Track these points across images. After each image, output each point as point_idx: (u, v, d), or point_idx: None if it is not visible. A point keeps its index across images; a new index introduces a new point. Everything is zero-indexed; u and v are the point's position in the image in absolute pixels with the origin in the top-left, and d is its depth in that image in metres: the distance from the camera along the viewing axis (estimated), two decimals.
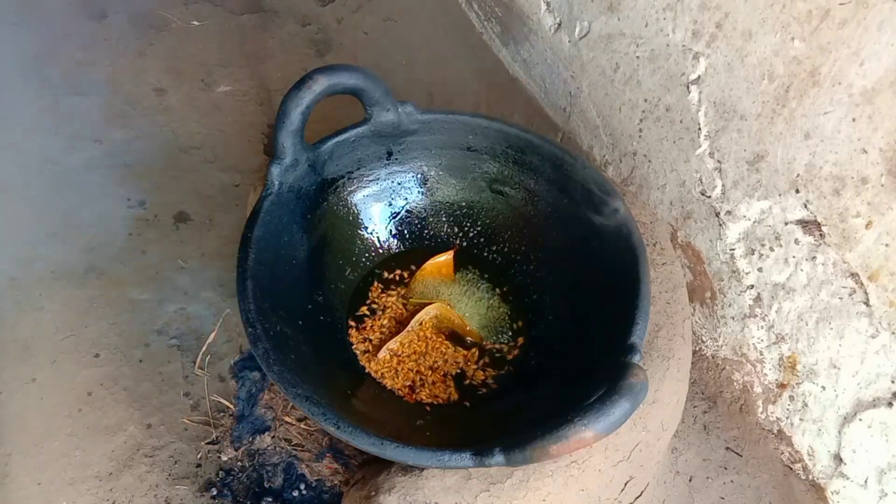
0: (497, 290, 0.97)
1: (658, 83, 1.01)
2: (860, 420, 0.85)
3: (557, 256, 0.92)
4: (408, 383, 0.86)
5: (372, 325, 0.92)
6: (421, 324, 0.91)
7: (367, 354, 0.89)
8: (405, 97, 0.92)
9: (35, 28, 1.53)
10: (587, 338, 0.82)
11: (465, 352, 0.90)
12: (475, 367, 0.89)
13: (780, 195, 0.86)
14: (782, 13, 0.78)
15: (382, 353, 0.88)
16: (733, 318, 1.00)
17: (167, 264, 1.19)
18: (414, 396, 0.85)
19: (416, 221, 1.01)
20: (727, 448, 1.02)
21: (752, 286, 0.95)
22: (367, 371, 0.87)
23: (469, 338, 0.91)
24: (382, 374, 0.87)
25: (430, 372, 0.88)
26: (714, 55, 0.89)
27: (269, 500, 0.88)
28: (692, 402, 1.06)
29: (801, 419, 0.94)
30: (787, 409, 0.96)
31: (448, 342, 0.91)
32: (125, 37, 1.55)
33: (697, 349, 1.08)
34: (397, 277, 0.97)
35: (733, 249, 0.96)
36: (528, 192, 0.95)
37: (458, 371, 0.88)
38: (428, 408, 0.84)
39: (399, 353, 0.89)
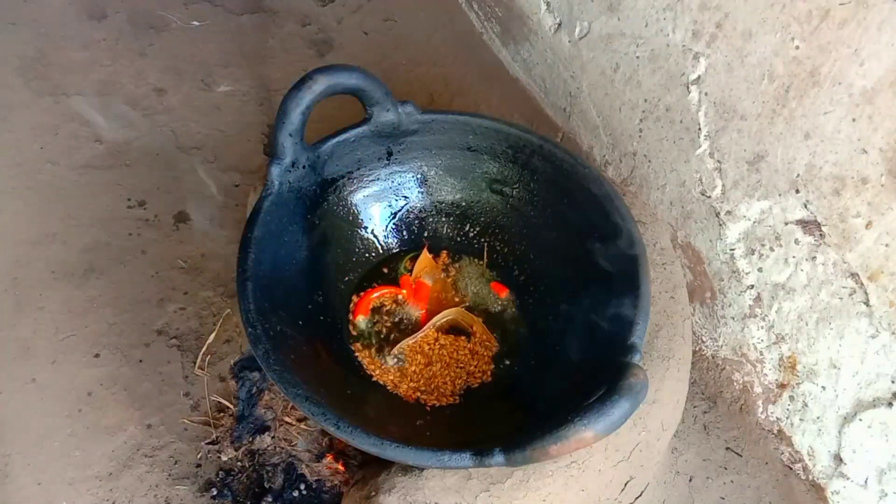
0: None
1: (658, 83, 1.01)
2: (860, 420, 0.85)
3: (557, 257, 0.92)
4: (410, 384, 0.86)
5: (373, 325, 0.92)
6: (434, 327, 0.91)
7: (366, 355, 0.89)
8: (405, 97, 0.92)
9: (35, 28, 1.53)
10: (587, 338, 0.82)
11: (469, 345, 0.90)
12: (480, 367, 0.89)
13: (780, 195, 0.86)
14: (782, 13, 0.78)
15: (395, 352, 0.88)
16: (733, 318, 1.00)
17: (167, 264, 1.19)
18: (414, 396, 0.85)
19: (416, 221, 1.01)
20: (727, 448, 1.02)
21: (752, 286, 0.95)
22: (367, 371, 0.87)
23: (484, 340, 0.91)
24: (382, 374, 0.87)
25: (432, 372, 0.88)
26: (714, 55, 0.89)
27: (269, 500, 0.88)
28: (692, 402, 1.06)
29: (801, 419, 0.94)
30: (787, 409, 0.96)
31: (451, 336, 0.91)
32: (125, 37, 1.55)
33: (697, 349, 1.08)
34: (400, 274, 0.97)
35: (733, 249, 0.96)
36: (528, 192, 0.95)
37: (461, 371, 0.88)
38: (428, 408, 0.84)
39: (405, 352, 0.89)
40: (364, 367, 0.87)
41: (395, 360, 0.89)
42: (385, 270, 0.97)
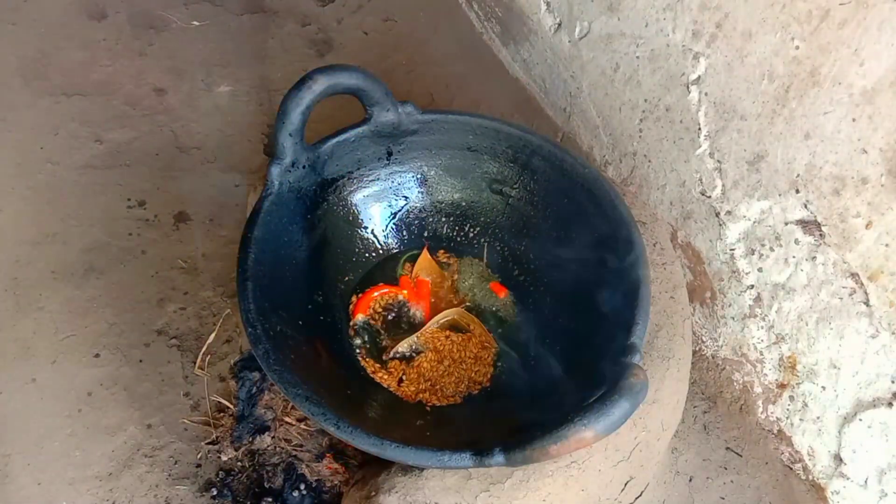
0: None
1: (658, 83, 1.01)
2: (860, 420, 0.85)
3: (557, 257, 0.92)
4: (420, 384, 0.86)
5: (373, 325, 0.92)
6: (435, 325, 0.91)
7: (366, 356, 0.89)
8: (405, 97, 0.92)
9: (35, 28, 1.53)
10: (587, 338, 0.82)
11: (475, 349, 0.90)
12: (480, 372, 0.89)
13: (780, 195, 0.86)
14: (782, 13, 0.78)
15: (393, 355, 0.88)
16: (733, 318, 1.00)
17: (167, 264, 1.19)
18: (415, 396, 0.85)
19: (416, 221, 1.01)
20: (727, 448, 1.02)
21: (752, 286, 0.95)
22: (367, 371, 0.87)
23: (483, 340, 0.91)
24: (382, 374, 0.87)
25: (440, 371, 0.88)
26: (714, 55, 0.89)
27: (269, 500, 0.88)
28: (692, 402, 1.06)
29: (801, 419, 0.94)
30: (787, 409, 0.96)
31: (466, 334, 0.91)
32: (125, 37, 1.55)
33: (697, 349, 1.08)
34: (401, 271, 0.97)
35: (733, 249, 0.96)
36: (528, 192, 0.95)
37: (463, 374, 0.88)
38: (428, 408, 0.84)
39: (407, 353, 0.89)
40: (364, 367, 0.87)
41: (412, 350, 0.89)
42: (381, 284, 0.97)
